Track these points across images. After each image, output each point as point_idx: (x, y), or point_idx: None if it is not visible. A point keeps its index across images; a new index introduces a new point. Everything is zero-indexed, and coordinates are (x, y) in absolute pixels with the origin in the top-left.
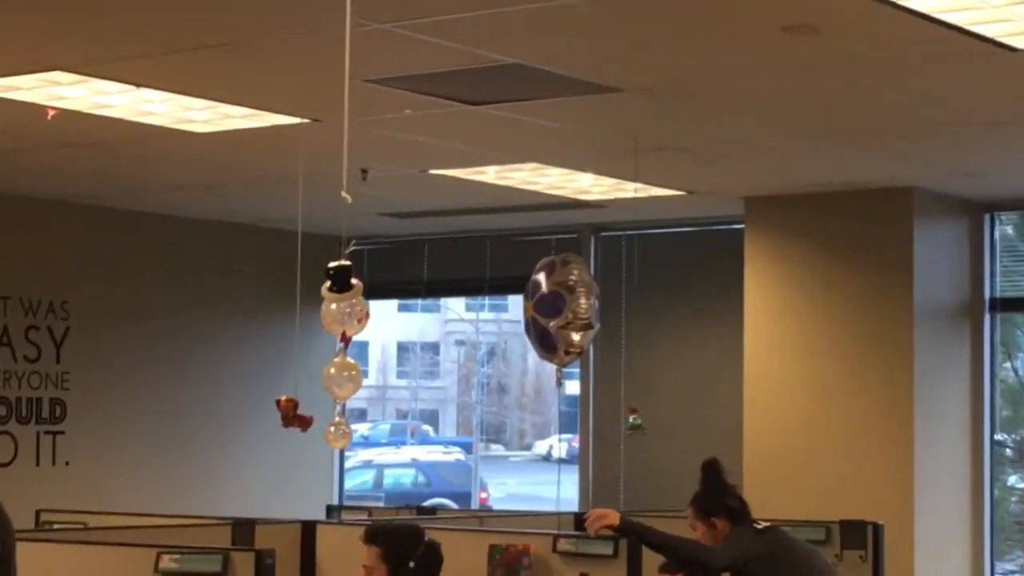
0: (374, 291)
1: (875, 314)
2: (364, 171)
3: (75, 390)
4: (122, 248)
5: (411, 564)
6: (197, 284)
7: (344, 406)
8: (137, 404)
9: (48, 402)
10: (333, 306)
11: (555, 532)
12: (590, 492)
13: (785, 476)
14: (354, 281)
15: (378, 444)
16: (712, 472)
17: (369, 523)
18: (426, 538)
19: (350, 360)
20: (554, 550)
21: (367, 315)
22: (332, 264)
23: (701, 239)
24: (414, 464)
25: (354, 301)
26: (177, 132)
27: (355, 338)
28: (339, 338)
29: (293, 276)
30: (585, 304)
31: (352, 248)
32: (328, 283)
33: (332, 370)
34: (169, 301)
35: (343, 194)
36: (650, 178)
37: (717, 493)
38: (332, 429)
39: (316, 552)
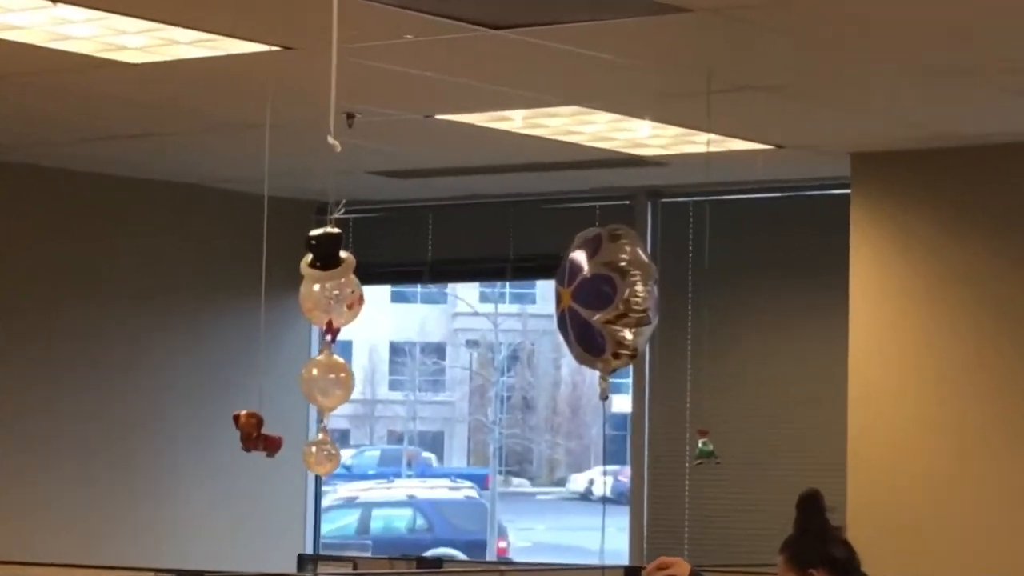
0: (362, 274)
1: None
2: (350, 116)
3: None
4: (36, 216)
5: None
6: (133, 263)
7: (327, 420)
8: (54, 420)
9: None
10: (316, 287)
11: None
12: (644, 540)
13: (904, 521)
14: (343, 255)
15: (364, 476)
16: (811, 509)
17: None
18: None
19: (338, 359)
20: None
21: (360, 299)
22: (315, 232)
23: (793, 207)
24: (411, 503)
25: (343, 281)
26: (106, 63)
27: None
28: (324, 329)
29: (257, 253)
30: (642, 291)
31: (341, 212)
32: (310, 257)
33: (315, 371)
34: (96, 285)
35: (330, 139)
36: (727, 127)
37: (817, 537)
38: (314, 450)
39: None
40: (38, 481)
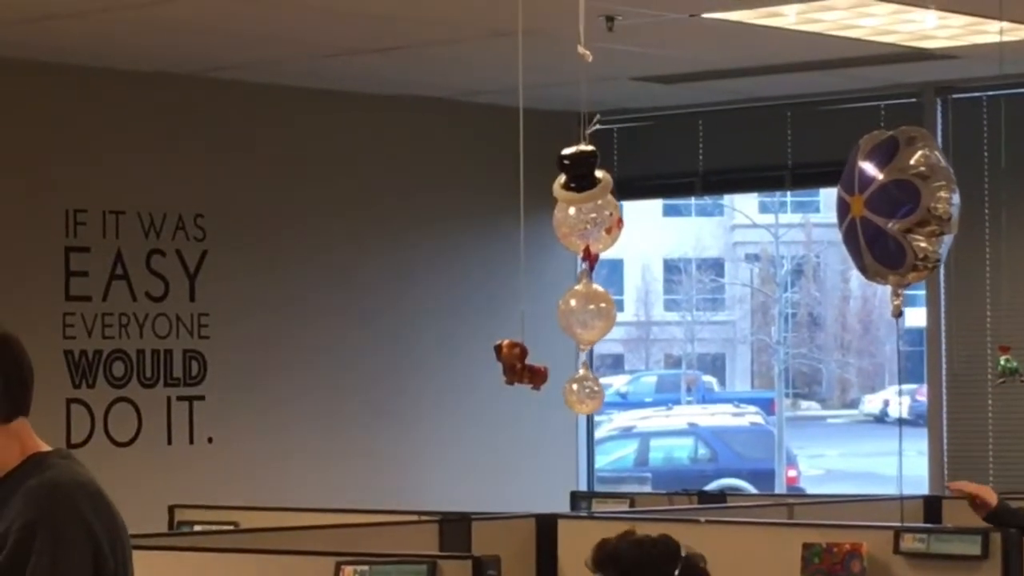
0: (628, 188)
1: None
2: (609, 19)
3: (218, 339)
4: (275, 137)
5: None
6: (381, 185)
7: (591, 353)
8: (304, 356)
9: (181, 356)
10: (571, 211)
11: (897, 525)
12: (944, 466)
13: None
14: (600, 174)
15: (641, 404)
16: None
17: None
18: (683, 553)
19: (598, 287)
20: (896, 550)
21: (620, 222)
22: (567, 151)
23: None
24: (692, 431)
25: (600, 203)
26: None
27: (603, 255)
28: (581, 256)
29: (514, 171)
30: (945, 198)
31: (595, 126)
32: (563, 178)
33: (573, 302)
34: (343, 209)
35: (580, 50)
36: (1022, 13)
37: None
38: (575, 387)
39: (557, 558)
40: (294, 420)
